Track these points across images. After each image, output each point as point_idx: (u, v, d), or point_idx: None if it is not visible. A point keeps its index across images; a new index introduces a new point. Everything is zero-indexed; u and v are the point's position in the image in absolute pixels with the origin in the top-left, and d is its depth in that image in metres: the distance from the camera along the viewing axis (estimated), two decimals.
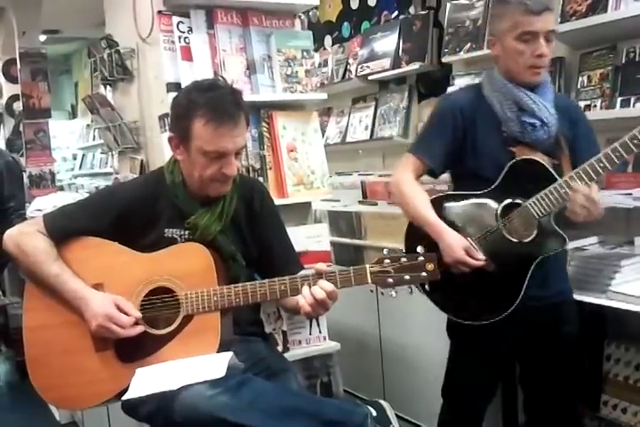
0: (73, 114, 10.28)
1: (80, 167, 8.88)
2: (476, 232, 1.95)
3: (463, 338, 2.07)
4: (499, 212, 1.94)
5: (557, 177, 1.88)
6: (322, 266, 1.70)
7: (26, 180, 5.15)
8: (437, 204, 1.99)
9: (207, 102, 1.76)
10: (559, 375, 2.04)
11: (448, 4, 3.37)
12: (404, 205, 2.01)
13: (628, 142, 1.79)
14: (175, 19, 2.37)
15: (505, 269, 1.91)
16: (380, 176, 3.63)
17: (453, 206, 2.00)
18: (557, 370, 2.04)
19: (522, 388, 2.17)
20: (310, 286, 1.69)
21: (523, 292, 1.89)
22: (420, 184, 2.04)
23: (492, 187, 1.94)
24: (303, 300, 1.67)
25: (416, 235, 1.97)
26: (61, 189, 6.93)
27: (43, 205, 3.76)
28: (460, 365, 2.11)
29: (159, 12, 2.37)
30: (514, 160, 1.93)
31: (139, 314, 1.77)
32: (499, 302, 1.92)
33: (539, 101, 1.92)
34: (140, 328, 1.76)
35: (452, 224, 1.95)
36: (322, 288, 1.67)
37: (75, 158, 9.06)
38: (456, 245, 1.88)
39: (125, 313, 1.75)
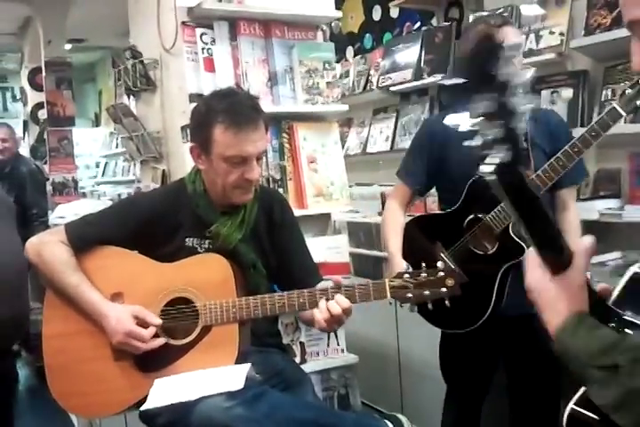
0: (96, 122, 10.39)
1: (103, 175, 8.95)
2: (447, 247, 2.04)
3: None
4: (464, 227, 2.05)
5: None
6: (340, 278, 1.70)
7: (49, 187, 5.22)
8: (413, 224, 2.18)
9: (226, 108, 1.77)
10: (544, 386, 2.09)
11: (470, 16, 3.36)
12: (382, 231, 2.20)
13: (586, 136, 1.87)
14: (199, 30, 2.39)
15: (475, 280, 1.96)
16: None
17: (426, 226, 2.16)
18: (542, 380, 2.09)
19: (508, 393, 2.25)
20: (327, 301, 1.68)
21: (492, 302, 1.98)
22: (402, 209, 2.22)
23: (458, 204, 2.07)
24: (319, 315, 1.67)
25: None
26: (84, 196, 7.00)
27: (65, 212, 3.80)
28: (446, 357, 2.29)
29: (183, 23, 2.39)
30: (472, 178, 2.01)
31: (159, 321, 1.77)
32: (472, 312, 1.99)
33: None
34: (160, 340, 1.76)
35: (426, 241, 2.08)
36: (338, 304, 1.66)
37: (97, 166, 9.14)
38: (397, 266, 1.98)
39: (145, 323, 1.75)
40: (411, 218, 2.22)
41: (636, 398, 0.87)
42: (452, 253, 2.04)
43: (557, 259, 0.99)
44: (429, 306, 1.66)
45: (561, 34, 2.87)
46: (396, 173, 2.29)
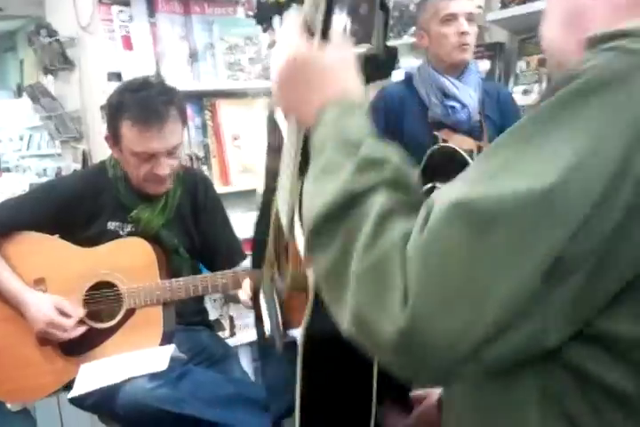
0: (19, 92, 9.99)
1: (28, 148, 8.65)
2: None
3: None
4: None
5: (470, 160, 2.00)
6: None
7: None
8: None
9: (135, 103, 1.75)
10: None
11: None
12: None
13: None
14: (115, 8, 2.35)
15: None
16: None
17: None
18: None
19: None
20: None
21: None
22: None
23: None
24: (244, 295, 1.65)
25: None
26: (8, 170, 6.79)
27: None
28: None
29: (99, 0, 2.34)
30: (432, 148, 2.07)
31: (80, 313, 1.78)
32: None
33: (460, 86, 2.13)
34: (81, 329, 1.78)
35: None
36: None
37: (21, 139, 8.83)
38: None
39: (67, 314, 1.76)
40: None
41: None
42: None
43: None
44: None
45: (479, 7, 2.93)
46: None
